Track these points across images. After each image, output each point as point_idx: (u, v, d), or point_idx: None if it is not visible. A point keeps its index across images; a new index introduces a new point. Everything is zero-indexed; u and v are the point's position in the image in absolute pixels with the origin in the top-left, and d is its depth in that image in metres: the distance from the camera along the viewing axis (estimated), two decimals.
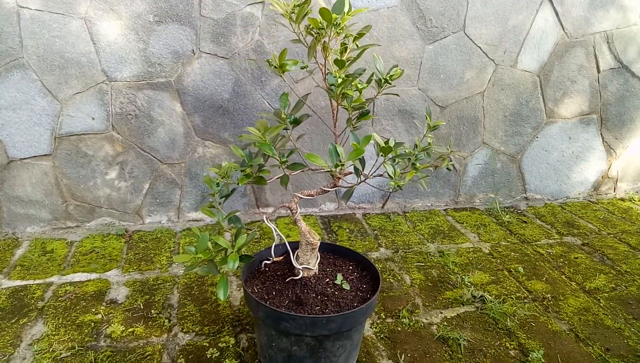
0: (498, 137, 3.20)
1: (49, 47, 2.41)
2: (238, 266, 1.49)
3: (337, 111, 1.69)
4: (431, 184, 3.15)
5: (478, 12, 2.88)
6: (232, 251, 1.52)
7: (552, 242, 2.80)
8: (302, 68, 1.59)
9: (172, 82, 2.60)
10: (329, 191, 1.73)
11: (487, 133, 3.18)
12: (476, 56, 2.98)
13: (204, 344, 1.88)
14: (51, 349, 1.83)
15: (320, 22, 1.45)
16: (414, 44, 2.84)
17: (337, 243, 2.63)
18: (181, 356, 1.82)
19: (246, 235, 1.55)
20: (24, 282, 2.23)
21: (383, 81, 1.61)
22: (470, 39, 2.93)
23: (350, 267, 1.89)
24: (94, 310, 2.06)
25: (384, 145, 1.50)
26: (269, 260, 1.82)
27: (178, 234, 2.72)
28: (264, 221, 1.72)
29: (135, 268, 2.37)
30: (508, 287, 2.31)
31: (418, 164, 1.69)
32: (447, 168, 1.80)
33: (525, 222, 3.04)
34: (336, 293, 1.70)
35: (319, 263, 1.84)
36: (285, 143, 1.70)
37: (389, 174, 1.53)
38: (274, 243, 1.78)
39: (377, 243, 2.66)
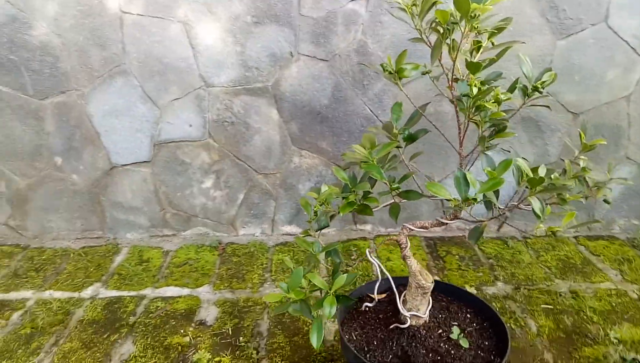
0: None
1: (149, 52, 2.36)
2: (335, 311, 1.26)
3: (466, 127, 1.38)
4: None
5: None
6: (329, 294, 1.29)
7: None
8: (423, 74, 1.31)
9: (269, 88, 2.44)
10: (447, 223, 1.43)
11: (633, 146, 2.64)
12: (621, 52, 2.47)
13: None
14: None
15: (452, 15, 1.16)
16: (543, 40, 2.40)
17: (446, 272, 2.30)
18: None
19: (346, 274, 1.30)
20: (119, 293, 2.20)
21: (532, 88, 1.28)
22: (614, 32, 2.43)
23: (468, 315, 1.57)
24: (182, 331, 1.95)
25: (532, 175, 1.17)
26: (371, 301, 1.55)
27: (271, 249, 2.56)
28: (367, 255, 1.47)
29: (226, 285, 2.25)
30: None
31: (567, 196, 1.33)
32: (606, 201, 1.41)
33: None
34: (452, 351, 1.39)
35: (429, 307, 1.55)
36: (395, 163, 1.43)
37: (535, 212, 1.19)
38: (377, 283, 1.51)
39: (493, 276, 2.29)
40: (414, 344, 1.41)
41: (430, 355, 1.37)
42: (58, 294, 2.20)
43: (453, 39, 1.27)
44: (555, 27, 2.40)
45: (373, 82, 2.46)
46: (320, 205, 1.36)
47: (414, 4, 1.25)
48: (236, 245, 2.60)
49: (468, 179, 1.17)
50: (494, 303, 2.08)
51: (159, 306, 2.10)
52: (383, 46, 2.41)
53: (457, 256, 2.45)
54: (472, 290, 2.14)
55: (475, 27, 1.18)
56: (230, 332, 1.95)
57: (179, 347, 1.86)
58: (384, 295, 1.62)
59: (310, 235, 1.45)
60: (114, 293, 2.20)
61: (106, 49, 2.35)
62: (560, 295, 2.13)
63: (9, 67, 2.38)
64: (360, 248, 2.53)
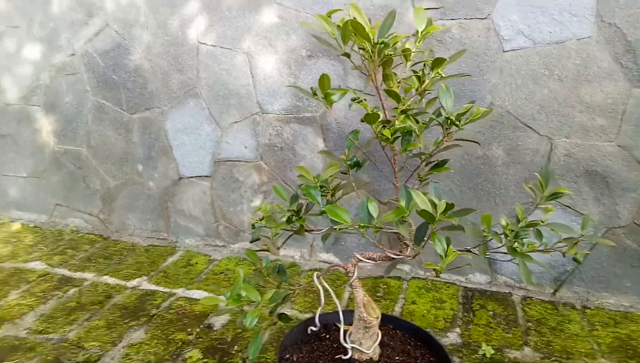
0: None
1: (217, 78, 2.65)
2: (256, 324, 1.28)
3: (396, 157, 1.35)
4: (633, 275, 2.28)
5: None
6: (256, 307, 1.32)
7: None
8: (353, 101, 1.30)
9: (317, 118, 2.54)
10: (395, 258, 1.36)
11: None
12: None
13: None
14: (136, 357, 1.91)
15: (369, 40, 1.16)
16: (614, 86, 2.12)
17: (470, 326, 2.11)
18: None
19: (274, 290, 1.32)
20: (156, 287, 2.44)
21: (449, 121, 1.20)
22: None
23: None
24: (189, 330, 2.10)
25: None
26: (316, 327, 1.53)
27: (303, 273, 2.61)
28: (314, 279, 1.46)
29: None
30: None
31: (517, 245, 1.20)
32: (575, 260, 1.23)
33: None
34: None
35: (387, 345, 1.47)
36: (347, 191, 1.42)
37: (438, 252, 1.10)
38: (319, 309, 1.49)
39: (523, 340, 2.03)
40: None
41: None
42: (111, 280, 2.52)
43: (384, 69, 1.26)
44: (630, 72, 2.11)
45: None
46: (261, 220, 1.41)
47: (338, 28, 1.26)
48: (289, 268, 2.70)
49: (369, 208, 1.13)
50: None
51: (180, 305, 2.28)
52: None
53: (490, 312, 2.23)
54: (490, 350, 1.93)
55: (384, 56, 1.16)
56: (229, 340, 2.04)
57: (180, 343, 2.01)
58: (350, 326, 1.57)
59: (268, 251, 1.49)
60: (153, 287, 2.45)
61: (183, 74, 2.71)
62: None
63: (111, 85, 2.87)
64: (390, 286, 2.44)
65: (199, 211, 2.90)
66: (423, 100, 1.42)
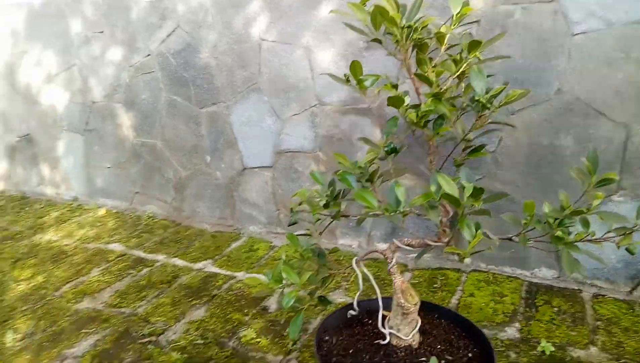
0: None
1: (278, 73, 2.73)
2: (292, 305, 1.33)
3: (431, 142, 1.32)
4: None
5: None
6: (296, 288, 1.37)
7: None
8: (387, 87, 1.29)
9: (373, 109, 2.54)
10: (432, 246, 1.34)
11: None
12: None
13: None
14: (196, 333, 2.04)
15: (395, 25, 1.15)
16: None
17: (531, 322, 2.01)
18: None
19: (310, 272, 1.36)
20: (219, 270, 2.58)
21: (481, 104, 1.15)
22: None
23: (470, 354, 1.41)
24: (246, 310, 2.20)
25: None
26: (355, 311, 1.53)
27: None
28: (353, 264, 1.48)
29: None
30: None
31: (561, 234, 1.14)
32: (629, 251, 1.14)
33: None
34: None
35: (429, 333, 1.45)
36: (386, 178, 1.42)
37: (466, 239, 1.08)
38: (357, 294, 1.50)
39: (590, 338, 1.90)
40: (384, 362, 1.35)
41: None
42: (179, 262, 2.70)
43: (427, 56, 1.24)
44: None
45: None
46: (299, 204, 1.45)
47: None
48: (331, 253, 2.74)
49: (397, 192, 1.12)
50: None
51: (239, 288, 2.40)
52: (493, 71, 2.27)
53: (556, 308, 2.10)
54: (549, 347, 1.83)
55: (415, 39, 1.14)
56: (282, 322, 2.11)
57: (236, 322, 2.11)
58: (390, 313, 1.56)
59: (310, 235, 1.54)
60: (216, 269, 2.59)
61: (247, 70, 2.82)
62: None
63: (182, 82, 3.06)
64: (448, 277, 2.39)
65: (262, 200, 3.01)
66: (462, 84, 1.38)
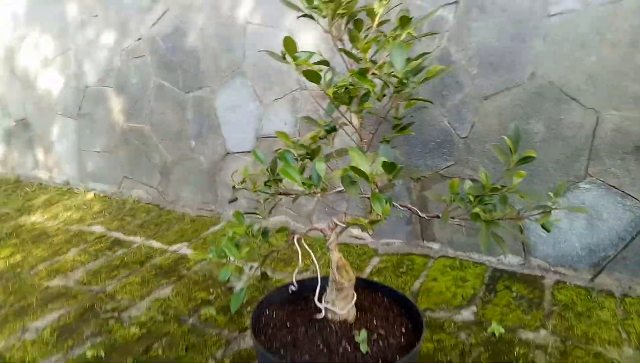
0: None
1: (261, 56, 2.75)
2: (229, 279, 1.36)
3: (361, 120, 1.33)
4: None
5: None
6: (232, 262, 1.40)
7: None
8: (304, 62, 1.28)
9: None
10: (365, 222, 1.35)
11: None
12: None
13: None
14: (159, 310, 2.08)
15: None
16: None
17: (487, 306, 2.01)
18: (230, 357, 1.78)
19: (251, 248, 1.38)
20: (191, 252, 2.62)
21: (398, 80, 1.15)
22: None
23: (404, 328, 1.42)
24: (211, 290, 2.23)
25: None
26: (295, 287, 1.55)
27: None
28: (294, 241, 1.49)
29: (270, 266, 2.44)
30: None
31: (479, 211, 1.14)
32: (544, 227, 1.13)
33: None
34: (347, 352, 1.31)
35: (368, 310, 1.47)
36: (329, 158, 1.43)
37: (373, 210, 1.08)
38: (295, 270, 1.52)
39: (542, 322, 1.89)
40: (318, 335, 1.37)
41: (325, 350, 1.32)
42: (156, 244, 2.75)
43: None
44: None
45: (453, 92, 2.33)
46: (242, 183, 1.47)
47: None
48: (306, 237, 2.76)
49: (318, 168, 1.14)
50: (519, 349, 1.74)
51: (209, 269, 2.43)
52: (468, 55, 2.26)
53: (514, 294, 2.09)
54: (499, 329, 1.83)
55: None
56: (244, 301, 2.13)
57: (200, 301, 2.15)
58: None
59: (257, 214, 1.56)
60: (189, 252, 2.63)
61: (232, 53, 2.85)
62: None
63: (170, 67, 3.10)
64: (415, 263, 2.39)
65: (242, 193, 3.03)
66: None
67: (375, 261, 2.44)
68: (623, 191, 2.05)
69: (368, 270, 2.36)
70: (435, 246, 2.53)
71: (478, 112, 2.27)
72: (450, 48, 2.27)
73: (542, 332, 1.83)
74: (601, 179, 2.08)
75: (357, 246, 2.62)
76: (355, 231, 2.73)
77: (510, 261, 2.34)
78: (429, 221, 2.51)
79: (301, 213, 2.88)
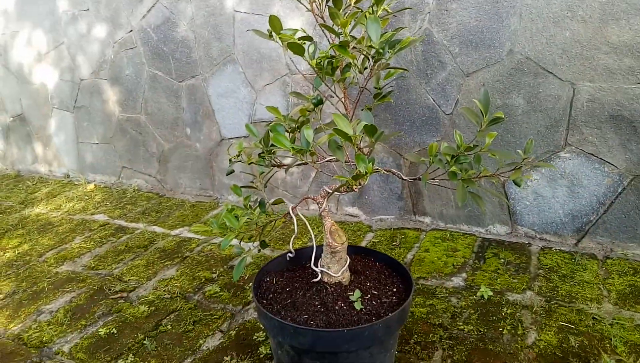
0: None
1: (251, 44, 2.83)
2: (229, 247, 1.46)
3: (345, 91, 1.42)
4: None
5: None
6: (231, 232, 1.49)
7: None
8: (288, 36, 1.37)
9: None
10: (354, 190, 1.45)
11: None
12: None
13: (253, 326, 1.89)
14: (165, 289, 2.19)
15: None
16: None
17: (476, 272, 2.13)
18: (236, 329, 1.88)
19: (248, 218, 1.48)
20: (194, 236, 2.72)
21: (374, 50, 1.24)
22: None
23: (395, 289, 1.53)
24: (214, 269, 2.34)
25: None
26: (292, 253, 1.66)
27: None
28: (290, 212, 1.59)
29: (269, 244, 2.55)
30: None
31: (457, 169, 1.24)
32: (515, 182, 1.23)
33: None
34: (344, 309, 1.41)
35: (361, 273, 1.58)
36: (318, 131, 1.52)
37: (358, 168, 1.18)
38: (292, 237, 1.62)
39: (528, 285, 2.01)
40: (315, 296, 1.47)
41: (322, 309, 1.42)
42: (158, 229, 2.84)
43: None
44: None
45: (437, 71, 2.42)
46: (237, 156, 1.56)
47: None
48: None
49: (305, 134, 1.23)
50: (506, 310, 1.86)
51: (211, 249, 2.54)
52: (449, 35, 2.35)
53: (502, 260, 2.21)
54: (488, 291, 1.94)
55: None
56: (246, 278, 2.24)
57: (203, 279, 2.25)
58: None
59: (254, 188, 1.66)
60: (191, 235, 2.73)
61: (222, 41, 2.92)
62: (595, 319, 1.76)
63: (162, 57, 3.17)
64: (407, 236, 2.50)
65: (238, 170, 3.13)
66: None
67: (369, 236, 2.55)
68: (601, 158, 2.16)
69: (363, 244, 2.47)
70: (427, 219, 2.64)
71: (461, 89, 2.37)
72: (432, 29, 2.36)
73: (529, 293, 1.95)
74: (580, 147, 2.19)
75: (352, 224, 2.73)
76: (350, 209, 2.84)
77: (498, 230, 2.45)
78: (419, 196, 2.62)
79: (297, 195, 2.98)
